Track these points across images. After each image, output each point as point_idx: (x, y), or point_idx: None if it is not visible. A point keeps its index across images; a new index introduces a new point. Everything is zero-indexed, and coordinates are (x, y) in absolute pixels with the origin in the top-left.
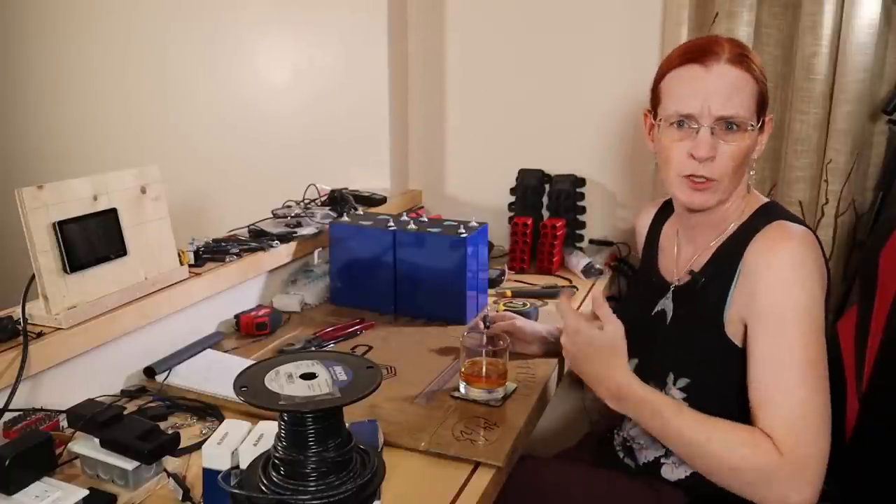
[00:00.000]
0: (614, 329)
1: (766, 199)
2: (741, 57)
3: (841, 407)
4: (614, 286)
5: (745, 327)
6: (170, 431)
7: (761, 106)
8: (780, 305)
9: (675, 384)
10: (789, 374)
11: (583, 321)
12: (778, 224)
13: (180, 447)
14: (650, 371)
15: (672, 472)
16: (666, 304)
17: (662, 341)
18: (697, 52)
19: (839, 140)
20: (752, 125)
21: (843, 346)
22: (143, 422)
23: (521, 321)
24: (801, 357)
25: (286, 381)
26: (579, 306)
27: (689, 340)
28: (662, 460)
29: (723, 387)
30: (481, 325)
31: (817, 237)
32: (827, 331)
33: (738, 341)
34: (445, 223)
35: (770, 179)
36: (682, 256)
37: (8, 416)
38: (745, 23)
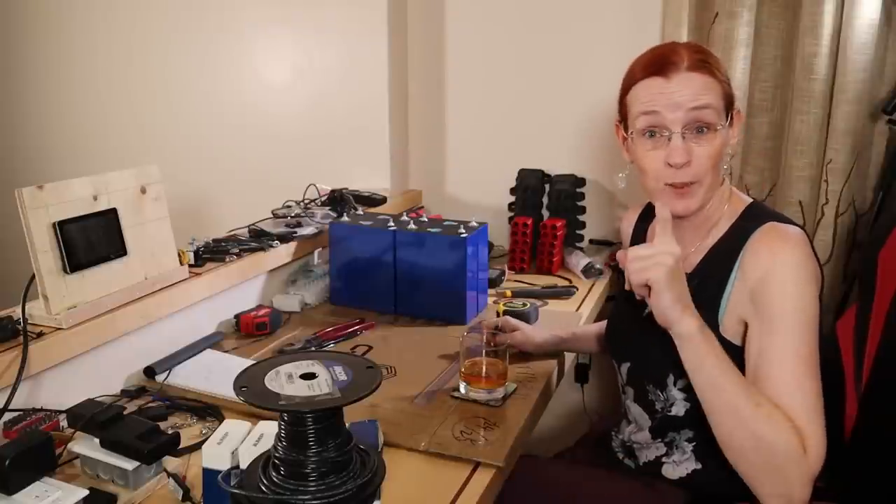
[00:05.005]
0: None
1: (750, 200)
2: (701, 62)
3: (840, 407)
4: (614, 286)
5: (745, 327)
6: (170, 431)
7: (728, 105)
8: (781, 306)
9: (675, 385)
10: (796, 370)
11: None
12: (772, 226)
13: (180, 447)
14: (648, 373)
15: (673, 470)
16: None
17: (657, 342)
18: (657, 64)
19: (839, 140)
20: (721, 125)
21: (843, 347)
22: (143, 422)
23: (519, 335)
24: (803, 354)
25: (286, 381)
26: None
27: None
28: (663, 459)
29: None
30: (484, 334)
31: (807, 234)
32: (826, 331)
33: (737, 340)
34: (445, 223)
35: (770, 179)
36: None
37: (8, 416)
38: (745, 23)
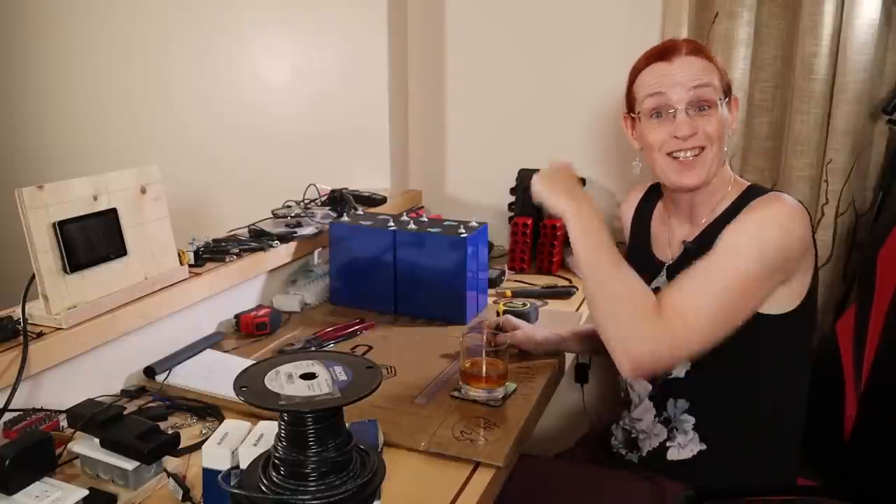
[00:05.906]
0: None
1: (749, 183)
2: (698, 49)
3: (840, 406)
4: None
5: None
6: (170, 431)
7: (726, 89)
8: (739, 239)
9: None
10: (710, 280)
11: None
12: (776, 194)
13: (180, 447)
14: None
15: (678, 453)
16: (661, 281)
17: None
18: (659, 52)
19: (839, 140)
20: (720, 98)
21: (843, 347)
22: (143, 422)
23: (520, 333)
24: (729, 280)
25: (286, 381)
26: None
27: None
28: (668, 444)
29: (728, 347)
30: (484, 334)
31: (809, 213)
32: (826, 331)
33: None
34: (445, 223)
35: (770, 179)
36: (675, 237)
37: (8, 416)
38: (745, 23)
